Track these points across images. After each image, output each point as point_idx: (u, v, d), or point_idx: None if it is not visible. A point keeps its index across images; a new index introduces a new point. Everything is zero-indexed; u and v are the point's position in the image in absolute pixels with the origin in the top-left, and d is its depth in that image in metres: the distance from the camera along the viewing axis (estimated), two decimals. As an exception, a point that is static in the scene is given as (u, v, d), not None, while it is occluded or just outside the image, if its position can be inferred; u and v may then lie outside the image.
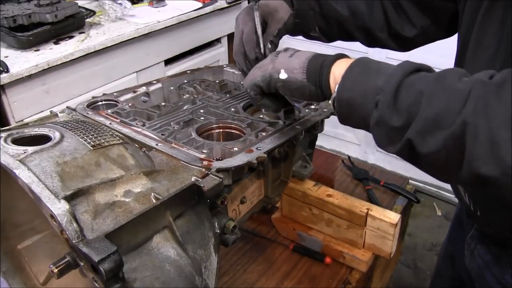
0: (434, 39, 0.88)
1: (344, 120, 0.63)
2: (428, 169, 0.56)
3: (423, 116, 0.51)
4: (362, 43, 0.94)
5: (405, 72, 0.55)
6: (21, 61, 1.65)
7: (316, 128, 0.90)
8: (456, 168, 0.50)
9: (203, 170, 0.66)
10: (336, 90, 0.61)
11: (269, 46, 0.87)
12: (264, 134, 0.79)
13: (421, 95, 0.51)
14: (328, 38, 0.94)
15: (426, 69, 0.57)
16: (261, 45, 0.85)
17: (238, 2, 0.81)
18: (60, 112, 0.86)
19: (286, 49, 0.74)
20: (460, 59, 0.74)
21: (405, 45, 0.91)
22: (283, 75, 0.69)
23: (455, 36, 0.78)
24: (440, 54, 2.16)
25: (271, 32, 0.87)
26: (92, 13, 1.97)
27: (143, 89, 1.00)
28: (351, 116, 0.61)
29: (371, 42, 0.92)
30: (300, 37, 0.96)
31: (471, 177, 0.50)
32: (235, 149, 0.74)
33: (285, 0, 0.88)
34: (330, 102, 0.64)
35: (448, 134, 0.49)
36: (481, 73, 0.51)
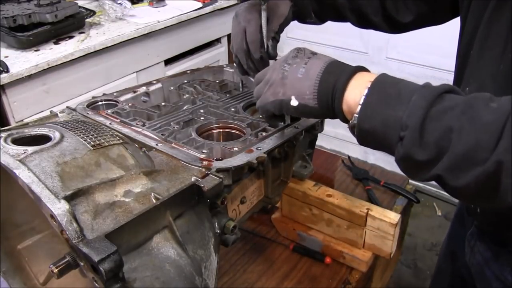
0: (427, 25, 0.89)
1: (364, 144, 0.61)
2: (460, 198, 0.55)
3: (453, 153, 0.50)
4: (353, 23, 0.95)
5: (428, 102, 0.52)
6: (21, 61, 1.65)
7: (316, 128, 0.90)
8: (488, 199, 0.51)
9: (203, 170, 0.66)
10: (356, 120, 0.58)
11: (271, 42, 0.86)
12: (264, 134, 0.79)
13: (450, 131, 0.50)
14: (322, 20, 0.95)
15: (449, 90, 0.54)
16: (265, 45, 0.85)
17: None
18: (60, 112, 0.86)
19: (296, 55, 0.68)
20: (464, 58, 0.74)
21: (398, 29, 0.91)
22: (294, 102, 0.65)
23: (456, 36, 0.78)
24: (440, 54, 2.17)
25: (273, 28, 0.86)
26: (92, 13, 1.97)
27: (143, 89, 1.00)
28: (372, 144, 0.59)
29: (362, 23, 0.93)
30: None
31: (503, 207, 0.51)
32: (235, 149, 0.74)
33: None
34: (348, 128, 0.61)
35: (481, 171, 0.48)
36: (507, 99, 0.49)
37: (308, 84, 0.64)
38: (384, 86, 0.57)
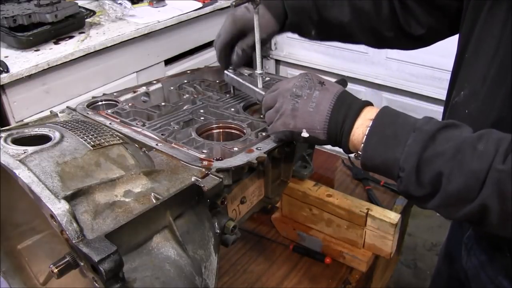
0: (442, 37, 0.88)
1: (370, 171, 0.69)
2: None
3: (444, 193, 0.57)
4: (368, 44, 0.95)
5: (422, 147, 0.58)
6: (21, 61, 1.65)
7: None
8: (479, 228, 0.62)
9: (203, 170, 0.66)
10: (360, 157, 0.65)
11: (240, 52, 0.89)
12: (264, 134, 0.79)
13: (440, 175, 0.56)
14: (326, 40, 0.96)
15: (442, 127, 0.59)
16: (256, 48, 0.86)
17: (243, 2, 0.81)
18: (60, 112, 0.86)
19: (305, 85, 0.70)
20: (459, 60, 0.74)
21: (413, 44, 0.91)
22: (305, 134, 0.70)
23: (456, 36, 0.78)
24: (440, 54, 2.17)
25: (247, 42, 0.89)
26: (92, 13, 1.97)
27: (143, 89, 1.00)
28: (377, 173, 0.67)
29: (378, 42, 0.92)
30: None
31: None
32: (235, 149, 0.74)
33: (275, 17, 0.88)
34: (354, 156, 0.68)
35: (468, 210, 0.56)
36: (494, 140, 0.55)
37: (319, 120, 0.68)
38: (383, 126, 0.63)
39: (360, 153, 0.65)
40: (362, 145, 0.64)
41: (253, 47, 0.89)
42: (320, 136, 0.69)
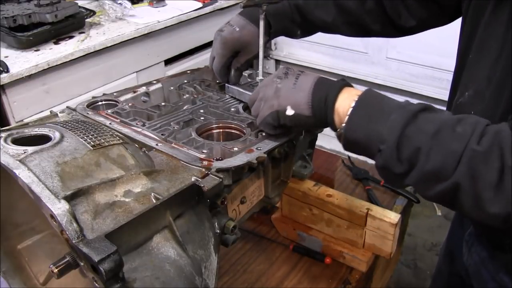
0: (431, 28, 0.90)
1: (349, 151, 0.68)
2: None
3: (420, 170, 0.58)
4: (351, 35, 0.97)
5: (405, 121, 0.58)
6: (21, 61, 1.65)
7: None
8: (452, 209, 0.62)
9: (203, 170, 0.66)
10: (343, 130, 0.65)
11: (234, 72, 0.95)
12: (264, 134, 0.79)
13: (418, 151, 0.57)
14: (310, 34, 0.99)
15: (424, 108, 0.60)
16: (260, 55, 0.89)
17: (252, 5, 0.83)
18: (60, 112, 0.86)
19: (286, 72, 0.73)
20: (462, 60, 0.73)
21: (401, 33, 0.93)
22: (290, 112, 0.71)
23: (456, 36, 0.77)
24: (440, 54, 2.17)
25: (240, 61, 0.94)
26: (92, 13, 1.97)
27: (143, 89, 1.00)
28: (356, 151, 0.67)
29: (364, 34, 0.95)
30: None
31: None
32: (235, 149, 0.74)
33: (261, 8, 0.88)
34: (335, 135, 0.67)
35: (442, 188, 0.57)
36: (472, 123, 0.56)
37: (302, 95, 0.70)
38: (369, 101, 0.64)
39: (344, 125, 0.64)
40: (347, 117, 0.64)
41: (246, 64, 0.95)
42: (305, 111, 0.70)
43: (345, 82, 0.70)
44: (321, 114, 0.69)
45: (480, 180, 0.53)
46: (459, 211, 0.60)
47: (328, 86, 0.69)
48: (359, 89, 0.68)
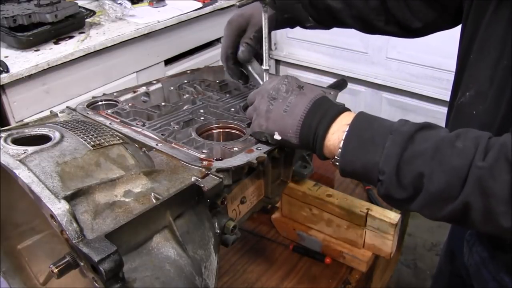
0: (437, 30, 0.89)
1: (347, 177, 0.67)
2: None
3: (427, 193, 0.56)
4: (359, 30, 0.95)
5: (401, 148, 0.57)
6: (21, 61, 1.65)
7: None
8: (464, 227, 0.62)
9: (203, 170, 0.66)
10: (338, 163, 0.64)
11: (243, 47, 0.89)
12: (264, 134, 0.79)
13: (421, 176, 0.56)
14: (325, 26, 0.95)
15: (419, 128, 0.59)
16: (264, 51, 0.87)
17: (248, 2, 0.82)
18: (60, 112, 0.86)
19: (281, 90, 0.70)
20: (463, 60, 0.73)
21: (408, 34, 0.91)
22: (277, 137, 0.70)
23: (457, 36, 0.77)
24: (440, 54, 2.17)
25: (247, 35, 0.90)
26: (92, 13, 1.97)
27: (143, 89, 1.00)
28: (356, 179, 0.68)
29: (368, 30, 0.94)
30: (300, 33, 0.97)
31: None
32: (235, 149, 0.74)
33: (263, 1, 0.87)
34: (331, 162, 0.66)
35: (451, 209, 0.55)
36: (472, 138, 0.55)
37: (291, 124, 0.68)
38: (359, 131, 0.62)
39: (338, 158, 0.64)
40: (340, 150, 0.63)
41: (256, 39, 0.89)
42: (292, 140, 0.69)
43: (343, 108, 0.67)
44: (309, 145, 0.68)
45: (491, 196, 0.52)
46: (470, 227, 0.59)
47: (322, 115, 0.67)
48: (353, 113, 0.66)
